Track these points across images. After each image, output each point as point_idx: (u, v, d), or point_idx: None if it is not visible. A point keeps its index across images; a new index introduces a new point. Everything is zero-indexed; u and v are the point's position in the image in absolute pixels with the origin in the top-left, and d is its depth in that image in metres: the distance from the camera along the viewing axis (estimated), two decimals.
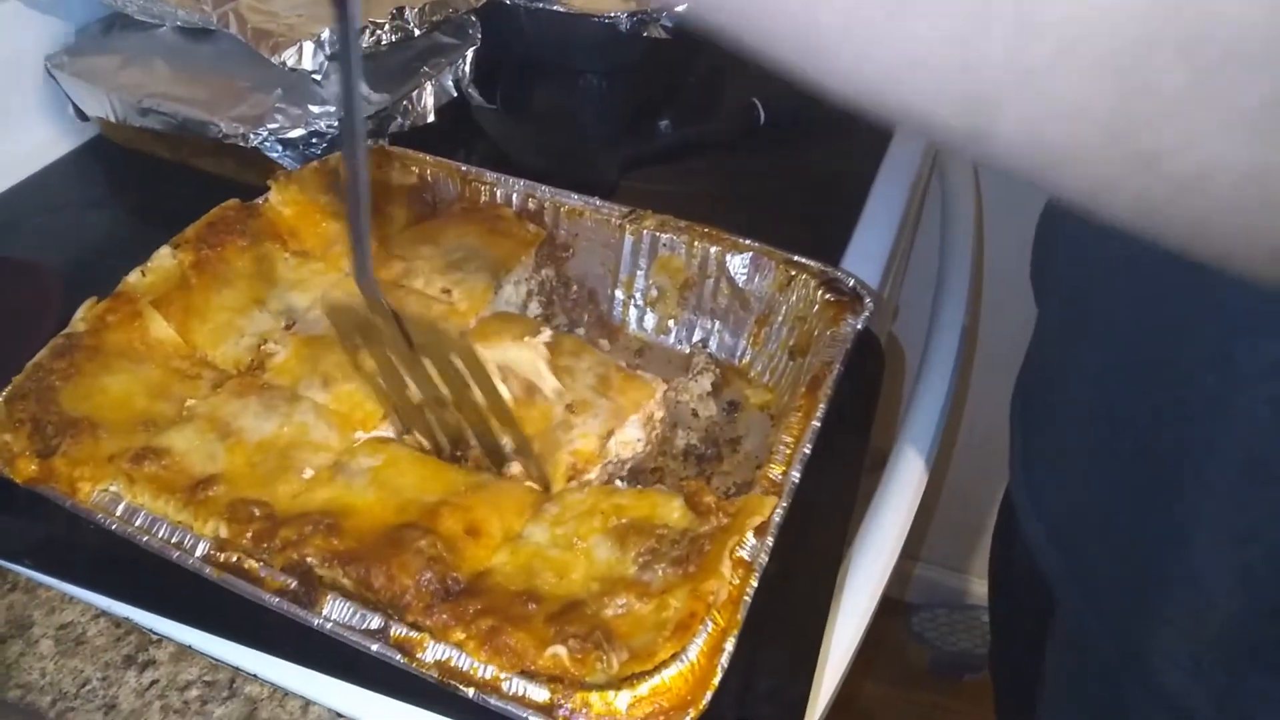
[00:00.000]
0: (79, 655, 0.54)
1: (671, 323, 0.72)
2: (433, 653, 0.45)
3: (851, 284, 0.65)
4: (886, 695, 1.60)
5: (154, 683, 0.52)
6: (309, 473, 0.53)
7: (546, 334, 0.62)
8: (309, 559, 0.47)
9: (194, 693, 0.52)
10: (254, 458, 0.54)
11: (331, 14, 0.44)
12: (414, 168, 0.74)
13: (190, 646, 0.53)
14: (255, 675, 0.52)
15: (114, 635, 0.54)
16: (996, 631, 1.00)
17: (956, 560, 1.68)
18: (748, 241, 0.68)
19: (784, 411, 0.60)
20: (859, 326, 0.62)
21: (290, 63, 0.76)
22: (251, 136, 0.77)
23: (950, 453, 1.46)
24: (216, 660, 0.53)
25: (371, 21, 0.80)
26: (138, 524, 0.51)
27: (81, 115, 0.88)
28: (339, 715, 0.51)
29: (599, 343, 0.72)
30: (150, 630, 0.54)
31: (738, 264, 0.68)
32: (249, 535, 0.49)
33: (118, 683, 0.52)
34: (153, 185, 0.86)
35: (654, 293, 0.72)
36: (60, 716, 0.51)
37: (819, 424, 0.56)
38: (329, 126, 0.79)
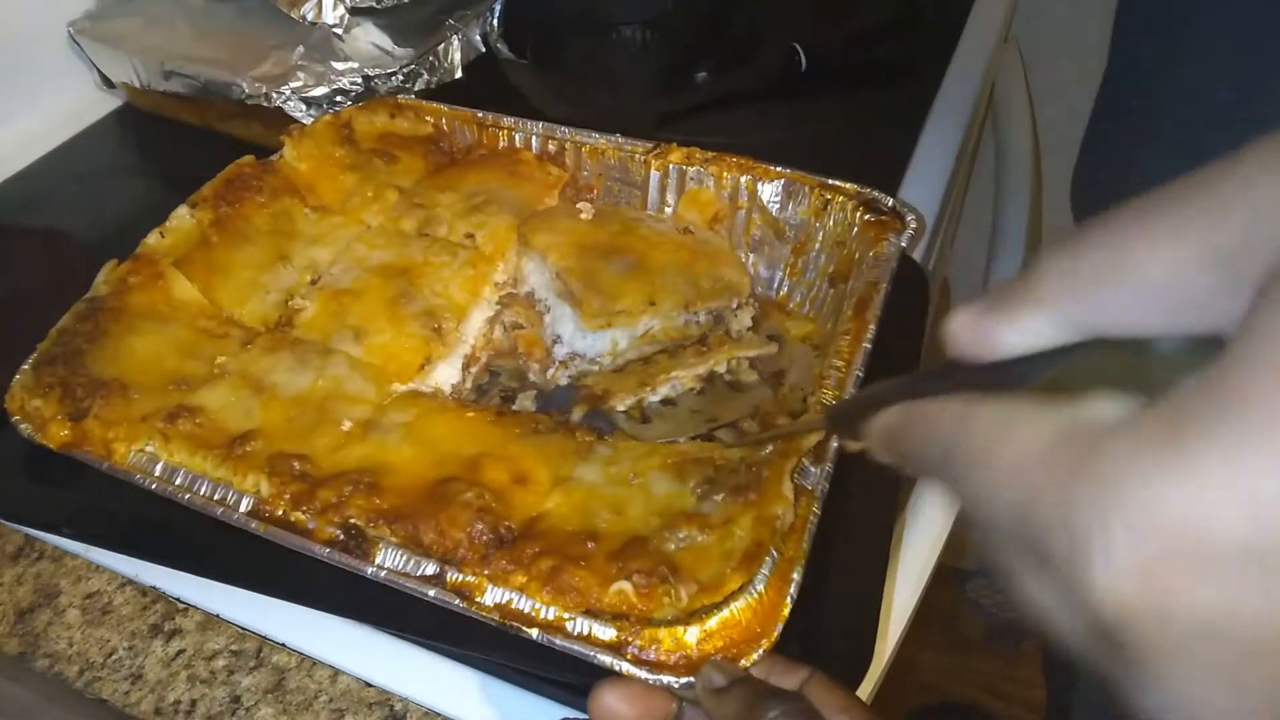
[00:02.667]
0: (105, 624, 0.52)
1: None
2: (492, 596, 0.43)
3: (890, 203, 0.61)
4: (945, 664, 1.56)
5: (180, 652, 0.50)
6: (348, 425, 0.51)
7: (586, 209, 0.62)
8: (352, 520, 0.45)
9: (221, 662, 0.50)
10: (290, 412, 0.51)
11: None
12: (429, 117, 0.71)
13: (218, 615, 0.52)
14: (284, 644, 0.50)
15: (140, 604, 0.53)
16: None
17: None
18: (779, 169, 0.65)
19: (829, 340, 0.57)
20: (902, 244, 0.58)
21: (310, 16, 0.74)
22: (274, 96, 0.75)
23: None
24: (244, 628, 0.51)
25: None
26: (178, 483, 0.49)
27: (107, 82, 0.86)
28: (368, 684, 0.49)
29: None
30: (178, 598, 0.52)
31: (770, 192, 0.65)
32: (287, 496, 0.46)
33: (144, 652, 0.50)
34: (180, 151, 0.85)
35: (684, 228, 0.68)
36: (87, 686, 0.50)
37: (869, 346, 0.52)
38: (352, 84, 0.77)
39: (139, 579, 0.53)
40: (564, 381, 0.62)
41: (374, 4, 0.76)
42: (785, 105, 0.91)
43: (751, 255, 0.68)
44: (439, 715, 0.48)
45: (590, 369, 0.62)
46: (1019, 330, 0.22)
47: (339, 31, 0.76)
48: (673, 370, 0.60)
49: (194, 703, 0.49)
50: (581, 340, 0.62)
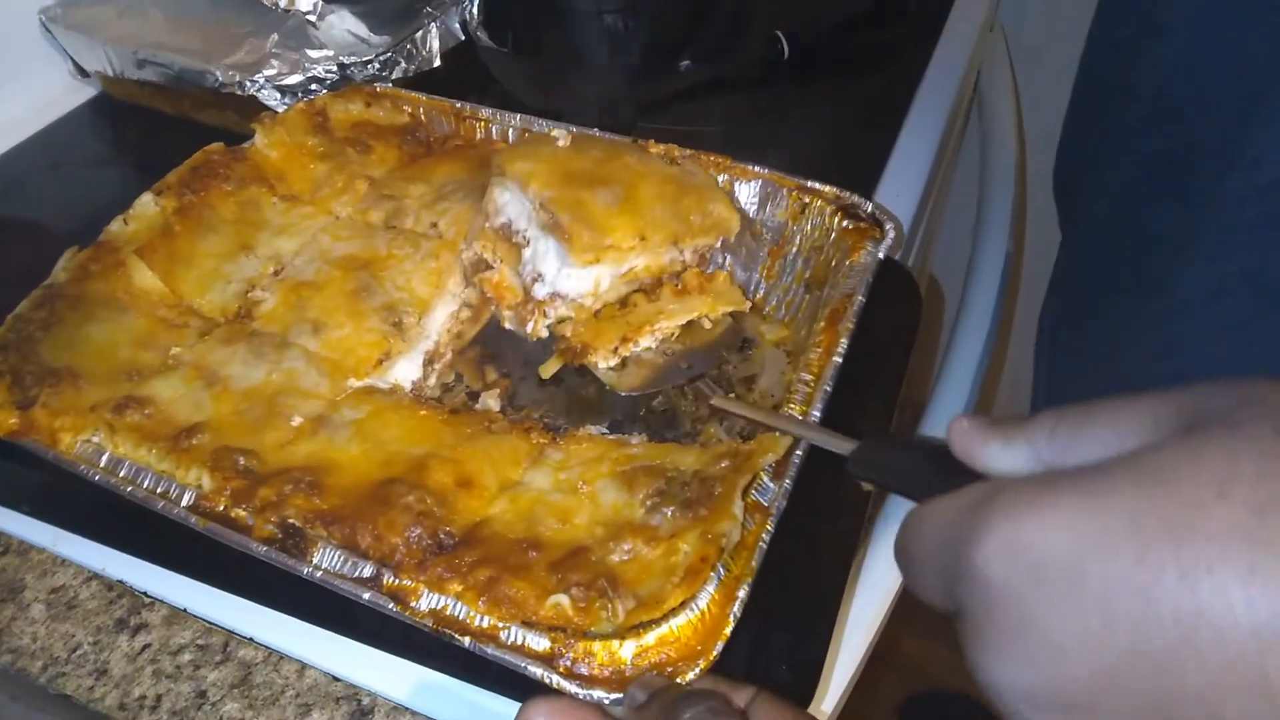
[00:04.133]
0: (70, 619, 0.51)
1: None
2: (427, 601, 0.42)
3: (869, 209, 0.60)
4: (927, 649, 1.56)
5: (146, 646, 0.50)
6: (298, 420, 0.50)
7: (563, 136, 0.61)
8: (290, 520, 0.44)
9: (186, 656, 0.50)
10: (241, 405, 0.51)
11: None
12: (406, 106, 0.70)
13: (185, 609, 0.51)
14: (251, 638, 0.50)
15: (106, 599, 0.52)
16: None
17: None
18: (757, 169, 0.64)
19: (802, 348, 0.56)
20: (880, 255, 0.57)
21: (284, 3, 0.73)
22: (248, 84, 0.74)
23: (992, 397, 1.40)
24: (211, 623, 0.50)
25: None
26: (122, 475, 0.49)
27: (81, 71, 0.85)
28: (335, 679, 0.48)
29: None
30: (144, 592, 0.52)
31: (747, 192, 0.64)
32: (228, 491, 0.46)
33: (109, 647, 0.50)
34: (155, 141, 0.84)
35: None
36: (51, 682, 0.49)
37: (840, 360, 0.51)
38: (326, 71, 0.76)
39: (106, 572, 0.53)
40: (544, 333, 0.60)
41: None
42: (767, 94, 0.90)
43: (728, 256, 0.67)
44: (406, 710, 0.47)
45: (568, 314, 0.60)
46: (1005, 454, 0.31)
47: (313, 19, 0.75)
48: (656, 322, 0.59)
49: (159, 698, 0.48)
50: (566, 279, 0.58)
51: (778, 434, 0.48)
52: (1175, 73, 0.53)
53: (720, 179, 0.65)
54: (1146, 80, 0.56)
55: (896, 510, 0.63)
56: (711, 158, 0.65)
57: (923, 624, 1.56)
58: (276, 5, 0.73)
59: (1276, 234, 0.45)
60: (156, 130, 0.84)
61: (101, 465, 0.48)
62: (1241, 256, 0.46)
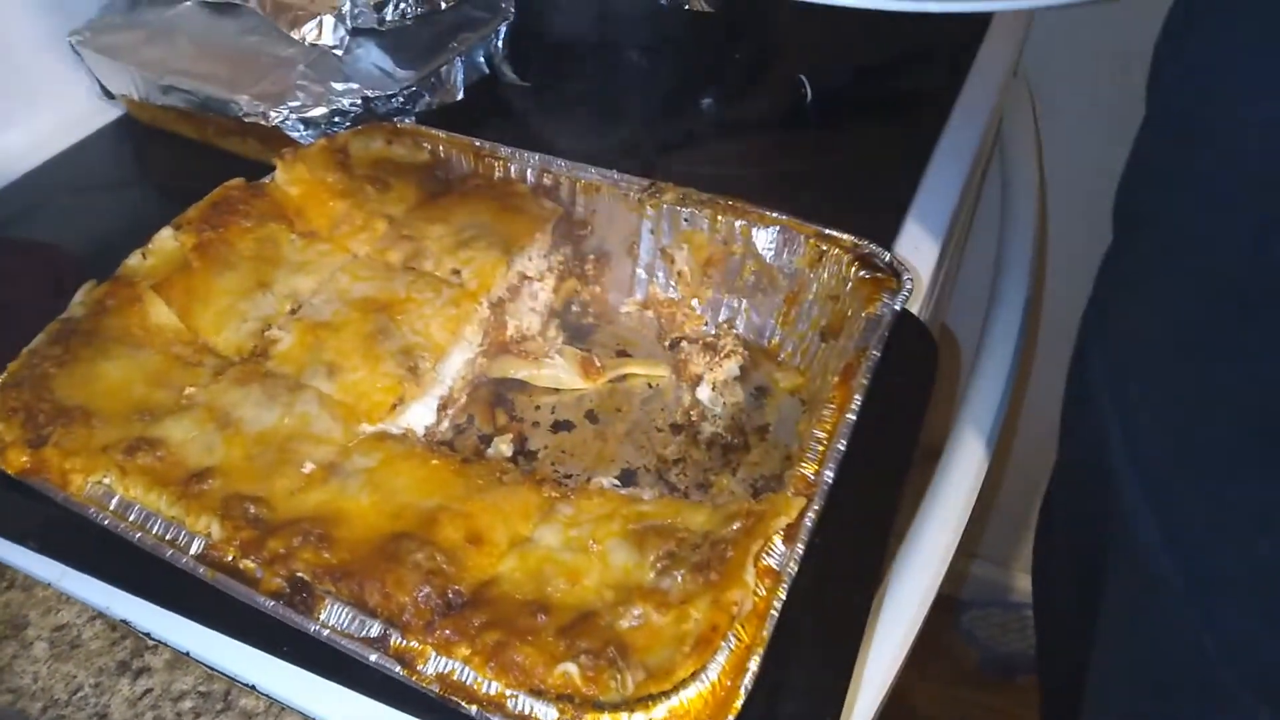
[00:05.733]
0: (73, 659, 0.51)
1: (696, 302, 0.68)
2: (434, 665, 0.42)
3: (888, 259, 0.60)
4: (935, 693, 1.54)
5: (147, 691, 0.50)
6: (309, 467, 0.50)
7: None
8: (299, 574, 0.44)
9: (187, 704, 0.49)
10: (252, 450, 0.50)
11: None
12: (426, 144, 0.70)
13: (188, 653, 0.51)
14: (253, 686, 0.49)
15: (109, 639, 0.52)
16: (1040, 635, 0.94)
17: (1007, 555, 1.61)
18: (775, 214, 0.64)
19: (816, 399, 0.56)
20: (896, 308, 0.57)
21: (310, 38, 0.73)
22: (272, 114, 0.74)
23: (1010, 443, 1.39)
24: (213, 668, 0.50)
25: None
26: (131, 519, 0.48)
27: (107, 93, 0.86)
28: None
29: (618, 321, 0.68)
30: (147, 634, 0.52)
31: (764, 238, 0.64)
32: (237, 542, 0.45)
33: (110, 690, 0.50)
34: (178, 166, 0.84)
35: (677, 270, 0.67)
36: None
37: (854, 417, 0.51)
38: (351, 105, 0.76)
39: (110, 611, 0.52)
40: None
41: (376, 25, 0.75)
42: (789, 137, 0.90)
43: (744, 301, 0.66)
44: None
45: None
46: None
47: (339, 52, 0.75)
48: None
49: None
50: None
51: (790, 495, 0.48)
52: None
53: (737, 224, 0.64)
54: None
55: (905, 570, 0.62)
56: (729, 202, 0.65)
57: (936, 672, 1.55)
58: (304, 39, 0.73)
59: None
60: (178, 155, 0.84)
61: (111, 509, 0.48)
62: None
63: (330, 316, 0.58)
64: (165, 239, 0.61)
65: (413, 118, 0.80)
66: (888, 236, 0.74)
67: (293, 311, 0.59)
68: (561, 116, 0.89)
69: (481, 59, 0.87)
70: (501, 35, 0.88)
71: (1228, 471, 0.51)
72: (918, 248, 0.73)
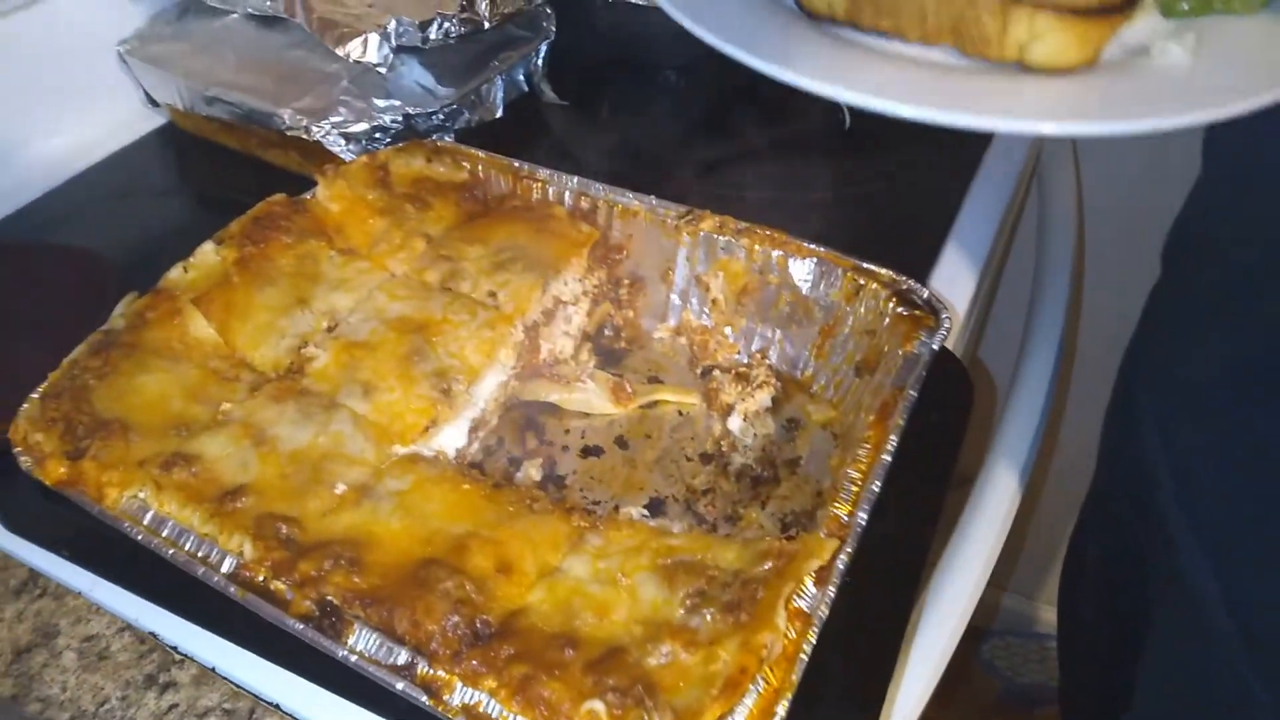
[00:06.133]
0: (101, 670, 0.51)
1: (729, 330, 0.67)
2: (460, 696, 0.42)
3: (926, 296, 0.59)
4: None
5: (173, 707, 0.50)
6: (341, 488, 0.50)
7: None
8: (329, 598, 0.44)
9: None
10: (286, 469, 0.51)
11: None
12: (465, 163, 0.70)
13: (214, 669, 0.51)
14: (277, 705, 0.49)
15: (138, 651, 0.52)
16: (1065, 671, 0.93)
17: (1032, 588, 1.59)
18: (813, 246, 0.63)
19: (849, 436, 0.55)
20: (934, 347, 0.56)
21: (355, 55, 0.74)
22: (314, 129, 0.75)
23: (1042, 476, 1.37)
24: (239, 686, 0.50)
25: (439, 13, 0.77)
26: (165, 535, 0.49)
27: (152, 102, 0.87)
28: None
29: (650, 347, 0.69)
30: (174, 647, 0.52)
31: (801, 270, 0.63)
32: (269, 563, 0.45)
33: (137, 704, 0.50)
34: (219, 175, 0.85)
35: (712, 298, 0.67)
36: None
37: (889, 458, 0.50)
38: (393, 121, 0.77)
39: (139, 623, 0.53)
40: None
41: (419, 44, 0.76)
42: (827, 163, 0.89)
43: (778, 331, 0.66)
44: None
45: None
46: None
47: (383, 70, 0.76)
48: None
49: None
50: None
51: (823, 535, 0.47)
52: None
53: (774, 254, 0.64)
54: None
55: (935, 605, 0.61)
56: (767, 232, 0.65)
57: (956, 703, 1.53)
58: (348, 55, 0.74)
59: None
60: (220, 165, 0.85)
61: (145, 523, 0.49)
62: None
63: (367, 335, 0.58)
64: (207, 253, 0.61)
65: (452, 135, 0.81)
66: (924, 267, 0.73)
67: (330, 329, 0.59)
68: (599, 136, 0.89)
69: (521, 77, 0.88)
70: (542, 54, 0.89)
71: None
72: (955, 280, 0.72)
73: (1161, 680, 0.62)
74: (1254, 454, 0.54)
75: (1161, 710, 0.62)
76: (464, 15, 0.78)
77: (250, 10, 0.83)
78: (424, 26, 0.75)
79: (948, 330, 0.57)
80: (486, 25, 0.80)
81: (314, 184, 0.68)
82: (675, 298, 0.69)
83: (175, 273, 0.60)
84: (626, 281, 0.70)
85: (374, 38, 0.74)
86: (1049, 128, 0.54)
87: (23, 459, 0.52)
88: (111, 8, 0.86)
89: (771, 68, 0.62)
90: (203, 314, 0.59)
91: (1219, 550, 0.56)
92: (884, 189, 0.85)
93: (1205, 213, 0.65)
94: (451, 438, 0.57)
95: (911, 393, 0.54)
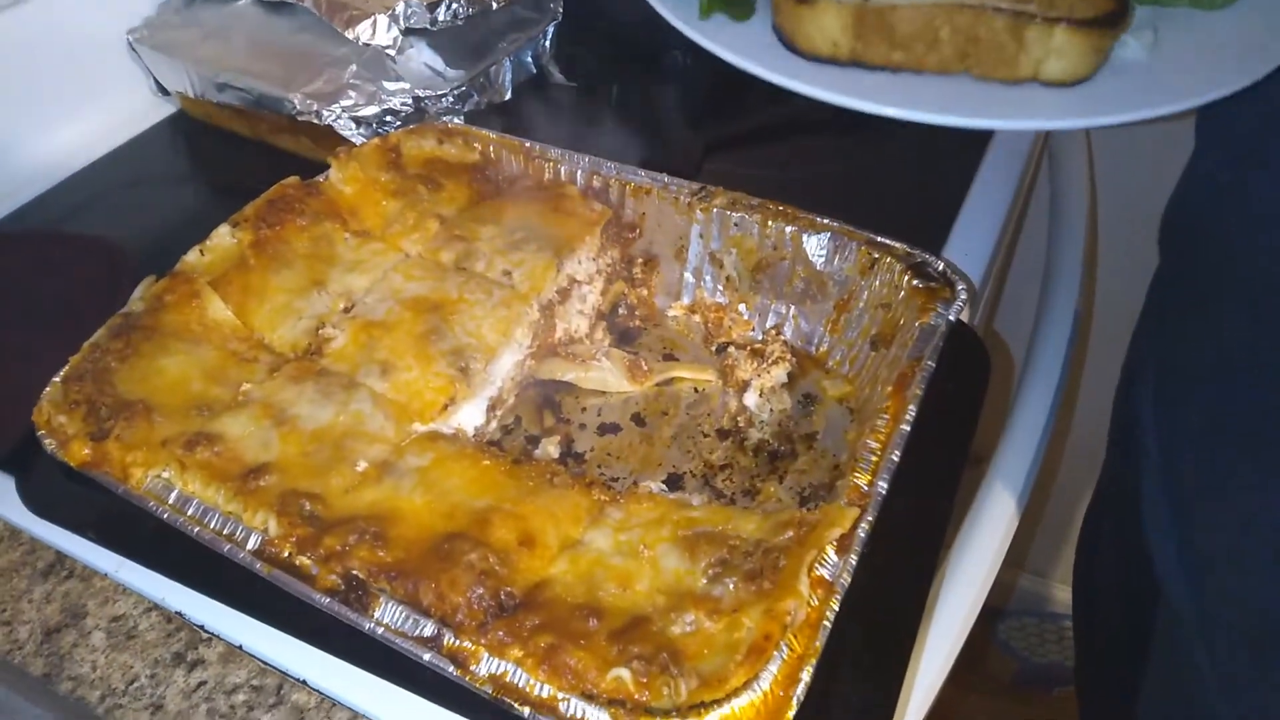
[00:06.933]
0: (129, 650, 0.52)
1: (744, 307, 0.68)
2: (487, 666, 0.42)
3: (941, 268, 0.59)
4: (970, 702, 1.52)
5: (201, 684, 0.50)
6: (363, 465, 0.50)
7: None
8: (354, 571, 0.44)
9: (240, 697, 0.50)
10: (308, 447, 0.51)
11: None
12: (477, 144, 0.70)
13: (241, 646, 0.51)
14: (305, 681, 0.50)
15: (165, 630, 0.53)
16: (1081, 650, 0.93)
17: (1046, 567, 1.59)
18: (826, 220, 0.63)
19: (866, 409, 0.55)
20: (950, 318, 0.56)
21: (364, 38, 0.74)
22: (325, 113, 0.75)
23: (1057, 454, 1.37)
24: (266, 663, 0.51)
25: None
26: (190, 513, 0.49)
27: (162, 90, 0.87)
28: None
29: (665, 325, 0.69)
30: (201, 626, 0.52)
31: (815, 244, 0.63)
32: (294, 538, 0.46)
33: (166, 682, 0.51)
34: (230, 161, 0.85)
35: (726, 275, 0.67)
36: (108, 713, 0.50)
37: (908, 428, 0.50)
38: (403, 104, 0.77)
39: (165, 603, 0.54)
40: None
41: (428, 26, 0.76)
42: (838, 138, 0.89)
43: (793, 307, 0.66)
44: None
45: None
46: None
47: (392, 52, 0.76)
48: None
49: None
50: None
51: (843, 505, 0.48)
52: None
53: (788, 229, 0.64)
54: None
55: (953, 582, 0.62)
56: (780, 207, 0.65)
57: (974, 683, 1.54)
58: (358, 38, 0.74)
59: None
60: (231, 151, 0.86)
61: (170, 502, 0.49)
62: None
63: (384, 315, 0.59)
64: (223, 236, 0.61)
65: (462, 117, 0.81)
66: (938, 241, 0.73)
67: (346, 310, 0.60)
68: (608, 117, 0.89)
69: (529, 59, 0.88)
70: (549, 36, 0.89)
71: (1258, 498, 0.51)
72: (969, 253, 0.72)
73: (1154, 663, 0.63)
74: (1243, 448, 0.54)
75: (1150, 685, 0.63)
76: None
77: None
78: (432, 8, 0.75)
79: (964, 302, 0.57)
80: (494, 6, 0.80)
81: (326, 168, 0.68)
82: (689, 275, 0.69)
83: (192, 256, 0.61)
84: (640, 260, 0.70)
85: (383, 19, 0.74)
86: (1012, 124, 0.58)
87: (47, 441, 0.52)
88: None
89: (787, 81, 0.65)
90: (220, 296, 0.59)
91: (1183, 529, 0.56)
92: (896, 165, 0.85)
93: (1197, 194, 0.65)
94: (470, 416, 0.58)
95: (929, 363, 0.54)
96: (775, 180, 0.82)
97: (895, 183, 0.82)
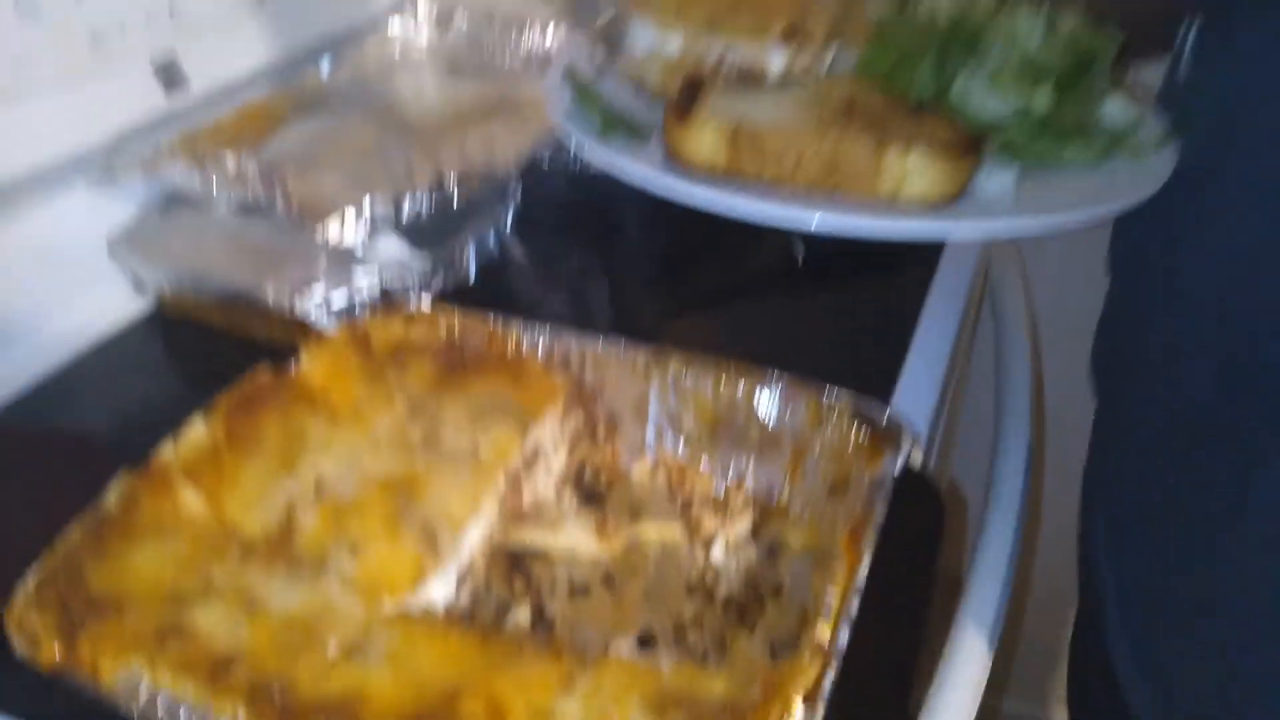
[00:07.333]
0: None
1: (706, 461, 0.70)
2: None
3: (887, 417, 0.62)
4: None
5: None
6: (333, 647, 0.51)
7: None
8: None
9: None
10: (278, 633, 0.52)
11: None
12: (443, 324, 0.74)
13: None
14: None
15: None
16: None
17: (1039, 689, 1.56)
18: (776, 375, 0.67)
19: (828, 557, 0.57)
20: (898, 467, 0.59)
21: (333, 239, 0.79)
22: (298, 306, 0.79)
23: (1030, 581, 1.37)
24: None
25: (411, 192, 0.82)
26: (160, 707, 0.49)
27: (140, 286, 0.91)
28: None
29: (630, 484, 0.71)
30: None
31: (766, 399, 0.67)
32: None
33: None
34: (206, 352, 0.88)
35: (685, 432, 0.70)
36: None
37: (864, 579, 0.52)
38: (371, 291, 0.81)
39: None
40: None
41: (393, 221, 0.81)
42: (784, 299, 0.94)
43: (752, 459, 0.68)
44: None
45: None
46: None
47: (360, 246, 0.81)
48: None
49: None
50: None
51: (807, 658, 0.48)
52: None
53: (740, 386, 0.67)
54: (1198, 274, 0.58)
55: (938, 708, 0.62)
56: (732, 365, 0.68)
57: None
58: (327, 242, 0.78)
59: None
60: (208, 341, 0.89)
61: (141, 697, 0.49)
62: None
63: (353, 496, 0.60)
64: (196, 428, 0.63)
65: (428, 298, 0.85)
66: (885, 391, 0.77)
67: (317, 492, 0.61)
68: (568, 290, 0.94)
69: (491, 239, 0.93)
70: (510, 216, 0.94)
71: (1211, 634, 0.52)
72: (916, 398, 0.76)
73: None
74: (1193, 593, 0.56)
75: None
76: (434, 192, 0.83)
77: (232, 200, 0.88)
78: (397, 205, 0.81)
79: (910, 450, 0.60)
80: (456, 197, 0.86)
81: (298, 354, 0.71)
82: (650, 434, 0.72)
83: (166, 449, 0.63)
84: (603, 422, 0.72)
85: (351, 220, 0.79)
86: (872, 233, 0.66)
87: (18, 643, 0.52)
88: (100, 206, 0.91)
89: (672, 194, 0.72)
90: (194, 487, 0.60)
91: (1146, 658, 0.57)
92: (842, 316, 0.90)
93: (1116, 324, 0.70)
94: (440, 589, 0.59)
95: (879, 514, 0.56)
96: (730, 342, 0.86)
97: (842, 336, 0.87)
